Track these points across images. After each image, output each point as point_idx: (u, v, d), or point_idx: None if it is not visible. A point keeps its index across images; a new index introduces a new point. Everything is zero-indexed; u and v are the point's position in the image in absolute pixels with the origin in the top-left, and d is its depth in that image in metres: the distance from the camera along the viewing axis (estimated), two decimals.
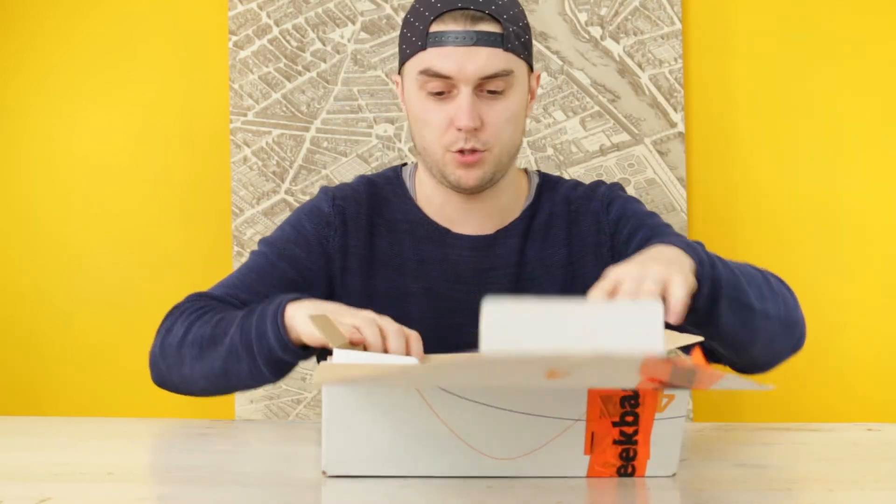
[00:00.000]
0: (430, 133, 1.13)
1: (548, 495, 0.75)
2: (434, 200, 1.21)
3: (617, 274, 0.87)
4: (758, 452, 0.91)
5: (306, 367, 1.69)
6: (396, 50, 1.72)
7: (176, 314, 1.12)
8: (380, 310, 1.01)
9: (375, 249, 1.20)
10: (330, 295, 1.18)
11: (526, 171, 1.28)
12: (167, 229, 1.77)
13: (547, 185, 1.26)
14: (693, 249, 0.95)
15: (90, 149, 1.79)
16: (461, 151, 1.12)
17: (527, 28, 1.18)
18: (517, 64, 1.14)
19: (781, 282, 1.10)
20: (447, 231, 1.20)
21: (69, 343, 1.79)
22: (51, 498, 0.73)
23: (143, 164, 1.78)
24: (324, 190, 1.26)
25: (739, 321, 0.98)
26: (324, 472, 0.80)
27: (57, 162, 1.79)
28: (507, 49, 1.12)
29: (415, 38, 1.14)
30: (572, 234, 1.22)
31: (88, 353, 1.78)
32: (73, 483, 0.79)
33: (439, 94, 1.12)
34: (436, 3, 1.13)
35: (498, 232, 1.21)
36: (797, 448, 0.93)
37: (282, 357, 0.99)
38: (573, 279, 1.21)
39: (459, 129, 1.11)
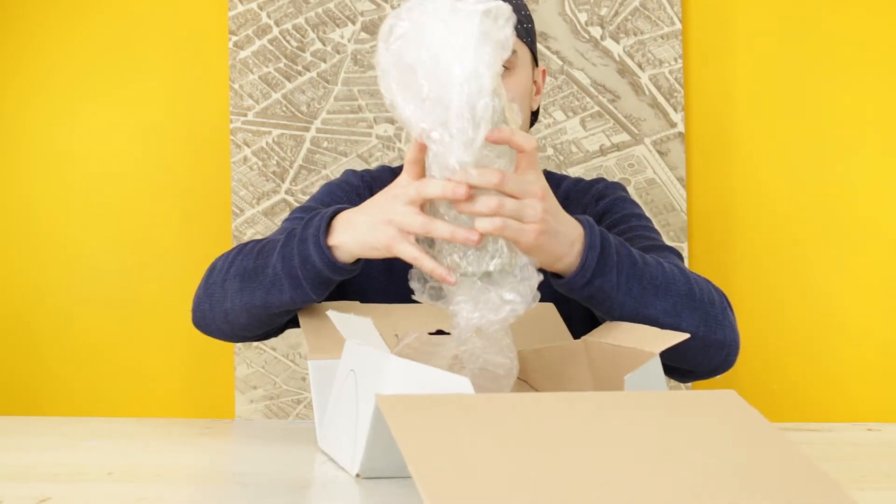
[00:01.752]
0: None
1: None
2: None
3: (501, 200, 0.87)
4: None
5: (306, 366, 1.69)
6: None
7: (221, 257, 1.11)
8: (397, 288, 1.02)
9: None
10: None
11: None
12: (167, 229, 1.77)
13: (549, 179, 1.28)
14: (591, 228, 0.96)
15: (90, 149, 1.79)
16: None
17: (530, 19, 1.22)
18: (520, 47, 1.18)
19: (714, 297, 1.05)
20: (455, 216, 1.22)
21: (69, 343, 1.79)
22: (51, 498, 0.73)
23: (143, 164, 1.78)
24: (350, 171, 1.30)
25: (640, 303, 0.98)
26: (358, 475, 0.79)
27: (57, 162, 1.79)
28: None
29: None
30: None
31: (88, 353, 1.78)
32: (73, 483, 0.79)
33: None
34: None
35: None
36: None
37: (332, 277, 0.99)
38: None
39: None
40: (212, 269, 1.11)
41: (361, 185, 1.25)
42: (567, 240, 0.94)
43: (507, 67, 1.16)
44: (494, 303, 0.87)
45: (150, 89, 1.78)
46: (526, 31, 1.20)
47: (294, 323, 1.18)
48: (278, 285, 1.01)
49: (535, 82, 1.23)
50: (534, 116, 1.29)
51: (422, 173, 0.92)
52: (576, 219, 0.97)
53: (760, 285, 1.68)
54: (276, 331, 1.15)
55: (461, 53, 0.83)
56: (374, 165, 1.70)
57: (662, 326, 0.97)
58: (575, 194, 1.27)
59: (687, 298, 1.00)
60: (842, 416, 1.66)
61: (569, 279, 0.96)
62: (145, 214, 1.77)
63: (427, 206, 0.92)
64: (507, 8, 0.87)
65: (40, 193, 1.80)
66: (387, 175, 1.28)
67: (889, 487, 0.77)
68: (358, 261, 1.00)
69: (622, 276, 0.97)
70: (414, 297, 0.92)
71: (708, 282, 1.07)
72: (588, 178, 1.66)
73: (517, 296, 0.87)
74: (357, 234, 0.97)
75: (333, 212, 1.00)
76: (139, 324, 1.78)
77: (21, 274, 1.80)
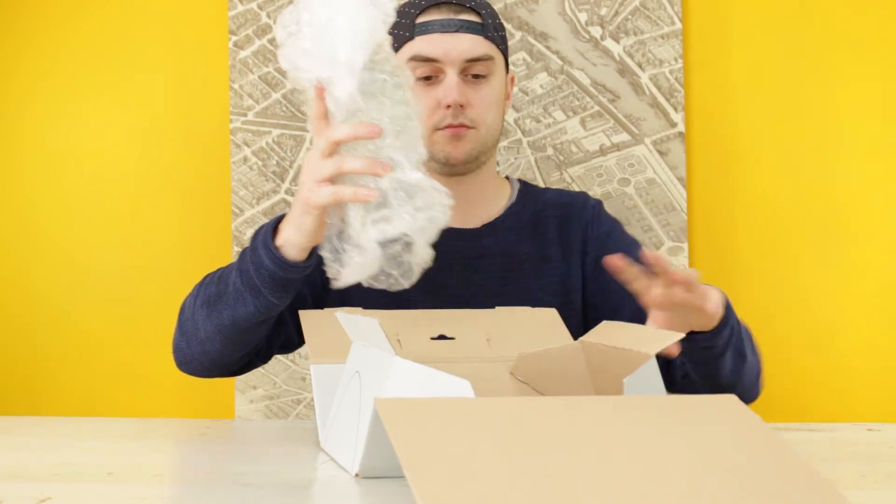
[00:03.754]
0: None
1: None
2: None
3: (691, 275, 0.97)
4: None
5: (306, 366, 1.69)
6: None
7: (188, 297, 1.15)
8: (379, 299, 1.06)
9: None
10: (326, 291, 1.21)
11: (507, 177, 1.36)
12: (167, 229, 1.77)
13: (529, 188, 1.35)
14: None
15: (90, 149, 1.79)
16: (450, 126, 1.20)
17: (503, 27, 1.27)
18: (496, 54, 1.24)
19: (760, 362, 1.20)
20: None
21: (69, 343, 1.79)
22: (51, 498, 0.73)
23: (143, 163, 1.78)
24: None
25: (734, 367, 1.10)
26: (357, 475, 0.79)
27: (57, 162, 1.79)
28: (487, 37, 1.22)
29: (402, 32, 1.22)
30: (563, 235, 1.29)
31: (88, 353, 1.78)
32: (73, 483, 0.79)
33: (427, 78, 1.20)
34: (420, 1, 1.22)
35: (484, 226, 1.28)
36: (797, 448, 0.93)
37: (287, 277, 1.02)
38: (569, 276, 1.27)
39: (448, 107, 1.19)
40: (182, 310, 1.14)
41: None
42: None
43: (485, 74, 1.22)
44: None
45: (151, 89, 1.78)
46: (501, 38, 1.25)
47: (282, 349, 1.21)
48: (241, 299, 1.04)
49: (505, 88, 1.28)
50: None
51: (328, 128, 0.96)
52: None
53: (760, 285, 1.68)
54: (258, 358, 1.18)
55: (343, 10, 0.92)
56: None
57: (747, 362, 1.11)
58: (566, 206, 1.32)
59: (751, 339, 1.15)
60: (842, 416, 1.65)
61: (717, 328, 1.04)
62: (145, 214, 1.77)
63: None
64: None
65: (40, 193, 1.80)
66: None
67: (889, 487, 0.77)
68: (311, 256, 1.03)
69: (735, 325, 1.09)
70: (326, 268, 0.97)
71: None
72: (588, 178, 1.67)
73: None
74: (293, 222, 1.01)
75: (279, 218, 1.05)
76: (139, 324, 1.77)
77: (21, 274, 1.80)
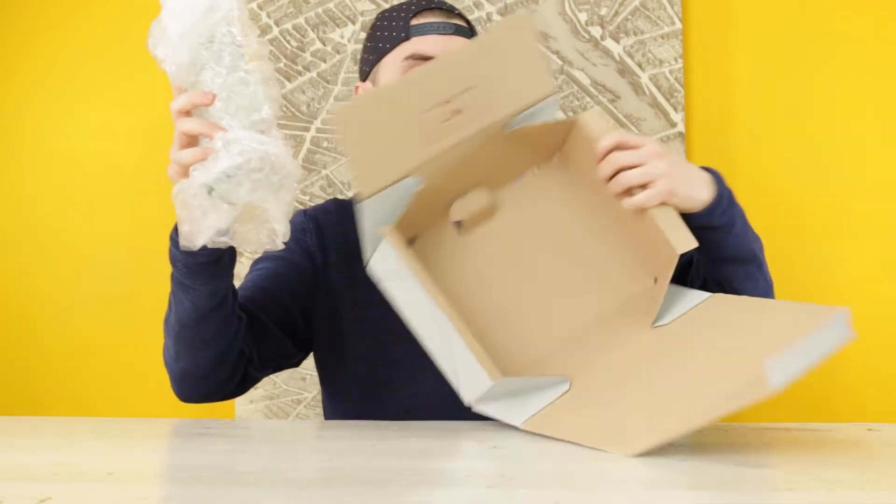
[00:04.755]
0: None
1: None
2: None
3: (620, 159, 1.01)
4: (758, 452, 0.90)
5: (306, 367, 1.69)
6: None
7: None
8: (367, 296, 1.14)
9: (351, 244, 1.25)
10: (316, 289, 1.26)
11: None
12: (167, 229, 1.77)
13: None
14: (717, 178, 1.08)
15: (90, 148, 1.79)
16: None
17: (475, 30, 1.31)
18: None
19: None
20: None
21: (69, 342, 1.79)
22: (51, 498, 0.73)
23: (144, 163, 1.78)
24: (297, 211, 1.36)
25: (741, 258, 1.12)
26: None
27: (57, 162, 1.80)
28: None
29: (395, 33, 1.24)
30: None
31: (88, 353, 1.78)
32: (73, 483, 0.79)
33: None
34: (410, 5, 1.25)
35: None
36: (797, 448, 0.93)
37: (197, 261, 1.05)
38: None
39: None
40: (164, 360, 1.18)
41: (305, 221, 1.30)
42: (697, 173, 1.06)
43: None
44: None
45: (150, 89, 1.78)
46: None
47: (284, 363, 1.26)
48: (178, 300, 1.09)
49: None
50: None
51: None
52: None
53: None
54: (253, 369, 1.21)
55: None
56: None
57: (759, 263, 1.14)
58: None
59: (760, 247, 1.16)
60: (842, 416, 1.66)
61: (713, 203, 1.05)
62: (145, 214, 1.77)
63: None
64: None
65: (40, 193, 1.80)
66: (332, 206, 1.34)
67: (889, 487, 0.77)
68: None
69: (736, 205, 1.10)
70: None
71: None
72: None
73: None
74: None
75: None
76: (139, 324, 1.77)
77: (21, 274, 1.80)
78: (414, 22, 1.24)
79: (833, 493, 0.74)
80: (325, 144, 1.71)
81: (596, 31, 1.68)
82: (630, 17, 1.67)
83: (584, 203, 1.08)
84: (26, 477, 0.82)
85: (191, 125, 0.99)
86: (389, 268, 1.00)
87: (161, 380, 1.77)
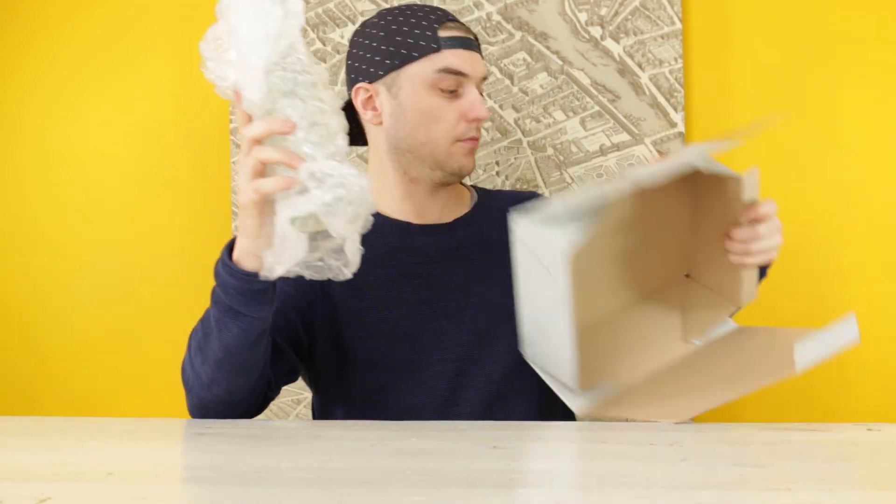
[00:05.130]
0: (442, 127, 1.25)
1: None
2: (393, 201, 1.31)
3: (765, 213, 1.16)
4: (758, 452, 0.90)
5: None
6: None
7: (183, 360, 1.17)
8: (372, 299, 1.20)
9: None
10: (316, 300, 1.26)
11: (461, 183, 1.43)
12: (167, 229, 1.78)
13: (483, 190, 1.42)
14: None
15: (90, 148, 1.79)
16: (471, 139, 1.27)
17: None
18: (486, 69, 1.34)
19: None
20: (408, 224, 1.31)
21: (69, 343, 1.79)
22: (51, 498, 0.73)
23: (143, 163, 1.78)
24: None
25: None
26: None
27: (57, 162, 1.80)
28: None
29: (423, 42, 1.23)
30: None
31: (88, 353, 1.78)
32: (73, 483, 0.79)
33: (451, 91, 1.24)
34: (430, 14, 1.25)
35: (456, 220, 1.33)
36: (797, 448, 0.93)
37: (253, 288, 1.04)
38: None
39: (474, 120, 1.25)
40: (182, 373, 1.16)
41: None
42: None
43: (481, 92, 1.29)
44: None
45: (151, 89, 1.78)
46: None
47: (288, 378, 1.26)
48: (224, 326, 1.07)
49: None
50: None
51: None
52: None
53: (760, 284, 1.68)
54: (270, 391, 1.20)
55: (253, 17, 0.98)
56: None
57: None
58: (526, 201, 1.38)
59: None
60: (842, 416, 1.66)
61: None
62: (145, 214, 1.78)
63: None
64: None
65: (40, 193, 1.80)
66: None
67: (889, 487, 0.77)
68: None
69: None
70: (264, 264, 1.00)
71: None
72: (588, 178, 1.67)
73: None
74: (240, 229, 1.03)
75: (233, 239, 1.07)
76: (139, 324, 1.78)
77: (21, 274, 1.80)
78: (443, 34, 1.23)
79: (833, 493, 0.74)
80: None
81: (596, 31, 1.68)
82: (630, 17, 1.67)
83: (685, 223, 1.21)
84: (26, 477, 0.82)
85: (270, 154, 0.97)
86: (552, 248, 0.99)
87: (161, 380, 1.78)
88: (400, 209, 1.32)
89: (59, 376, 1.79)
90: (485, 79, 1.29)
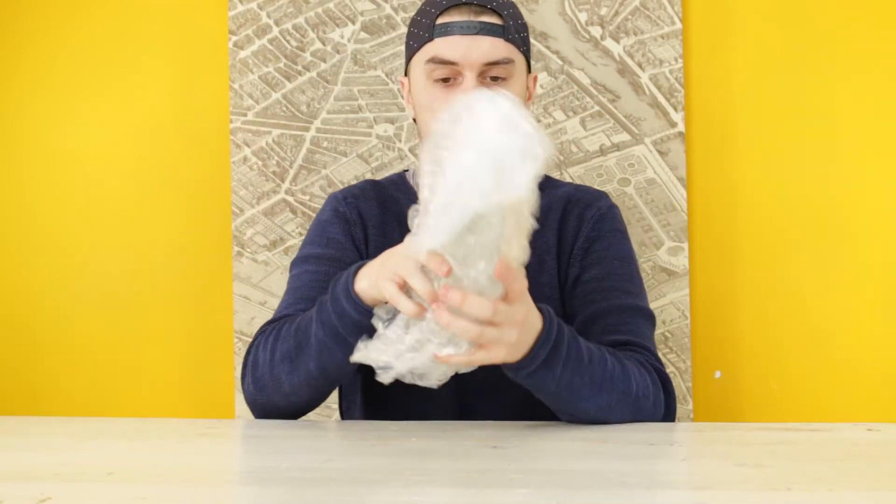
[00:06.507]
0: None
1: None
2: None
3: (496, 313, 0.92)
4: (758, 452, 0.90)
5: None
6: (396, 50, 1.72)
7: (254, 349, 1.15)
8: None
9: (389, 239, 1.26)
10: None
11: None
12: (167, 229, 1.77)
13: (547, 182, 1.32)
14: (550, 325, 1.00)
15: (90, 149, 1.79)
16: None
17: (525, 27, 1.25)
18: (517, 56, 1.22)
19: (650, 392, 1.10)
20: None
21: (69, 343, 1.79)
22: (51, 498, 0.73)
23: (143, 164, 1.78)
24: (332, 196, 1.32)
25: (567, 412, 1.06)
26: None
27: (57, 162, 1.80)
28: (507, 40, 1.20)
29: (422, 32, 1.21)
30: (563, 228, 1.28)
31: (88, 353, 1.78)
32: (73, 483, 0.79)
33: (445, 80, 1.19)
34: (441, 0, 1.21)
35: None
36: (797, 448, 0.93)
37: (367, 322, 1.00)
38: (558, 272, 1.27)
39: None
40: (254, 364, 1.13)
41: (349, 212, 1.28)
42: (527, 340, 0.98)
43: (504, 77, 1.20)
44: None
45: (151, 89, 1.78)
46: (522, 39, 1.23)
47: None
48: (327, 350, 1.05)
49: (527, 88, 1.27)
50: None
51: None
52: (538, 308, 0.99)
53: (760, 285, 1.68)
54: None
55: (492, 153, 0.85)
56: (373, 166, 1.70)
57: (593, 420, 1.05)
58: (576, 200, 1.30)
59: (623, 395, 1.06)
60: (842, 416, 1.65)
61: (514, 366, 0.99)
62: (145, 214, 1.77)
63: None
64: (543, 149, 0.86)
65: (40, 193, 1.80)
66: (370, 189, 1.31)
67: (889, 487, 0.77)
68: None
69: (566, 371, 1.01)
70: (373, 321, 0.98)
71: (650, 373, 1.12)
72: (587, 179, 1.67)
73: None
74: (371, 278, 1.00)
75: (357, 267, 1.04)
76: (139, 324, 1.77)
77: (21, 274, 1.80)
78: (439, 21, 1.20)
79: (833, 493, 0.74)
80: (325, 144, 1.71)
81: (596, 31, 1.68)
82: (630, 17, 1.67)
83: None
84: (26, 477, 0.82)
85: (418, 285, 0.91)
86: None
87: (161, 380, 1.78)
88: None
89: (59, 376, 1.79)
90: (497, 63, 1.18)
